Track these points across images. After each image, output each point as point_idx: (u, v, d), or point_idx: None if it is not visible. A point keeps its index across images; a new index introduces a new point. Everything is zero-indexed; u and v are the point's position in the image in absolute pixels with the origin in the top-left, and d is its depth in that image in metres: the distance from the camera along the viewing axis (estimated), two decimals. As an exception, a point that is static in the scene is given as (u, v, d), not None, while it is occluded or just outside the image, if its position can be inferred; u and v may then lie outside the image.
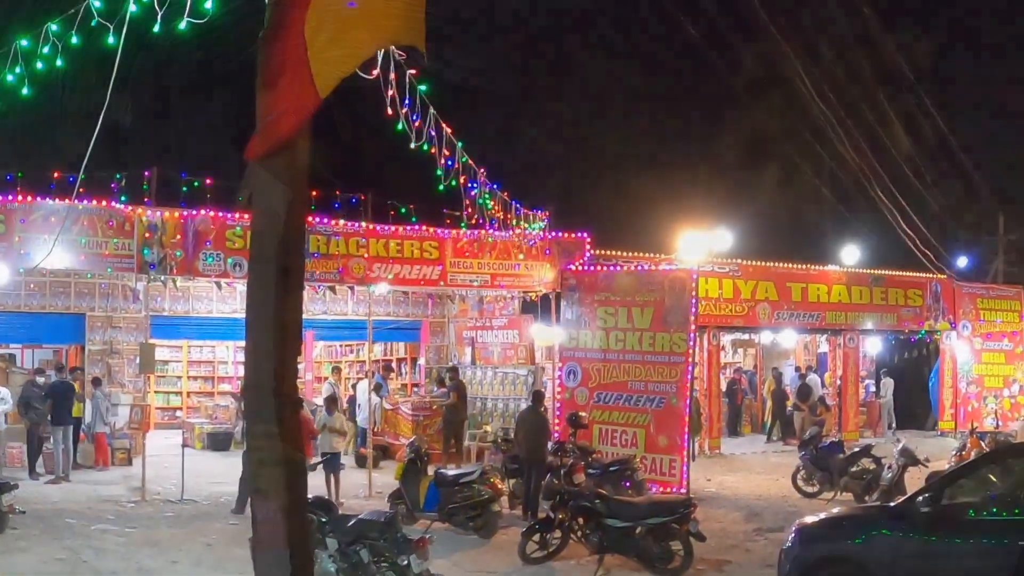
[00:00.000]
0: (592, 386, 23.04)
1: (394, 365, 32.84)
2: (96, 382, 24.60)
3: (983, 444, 22.67)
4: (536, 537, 15.90)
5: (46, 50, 14.26)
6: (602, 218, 41.06)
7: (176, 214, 21.18)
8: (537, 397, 20.60)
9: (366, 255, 22.68)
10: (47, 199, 20.33)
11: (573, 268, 24.42)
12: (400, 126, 17.68)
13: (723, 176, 48.49)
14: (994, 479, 12.38)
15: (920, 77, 38.41)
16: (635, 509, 15.40)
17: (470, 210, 22.53)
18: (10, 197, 20.19)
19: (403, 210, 23.89)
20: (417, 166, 20.79)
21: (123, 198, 21.19)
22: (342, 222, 22.74)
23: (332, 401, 21.60)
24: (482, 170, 21.99)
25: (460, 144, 20.29)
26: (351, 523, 13.53)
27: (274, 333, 6.39)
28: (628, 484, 19.43)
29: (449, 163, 20.19)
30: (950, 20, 54.78)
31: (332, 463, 20.31)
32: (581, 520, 15.59)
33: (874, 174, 34.28)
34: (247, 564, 7.15)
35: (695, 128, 49.31)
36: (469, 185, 21.77)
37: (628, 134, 50.72)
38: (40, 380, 23.46)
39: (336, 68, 6.18)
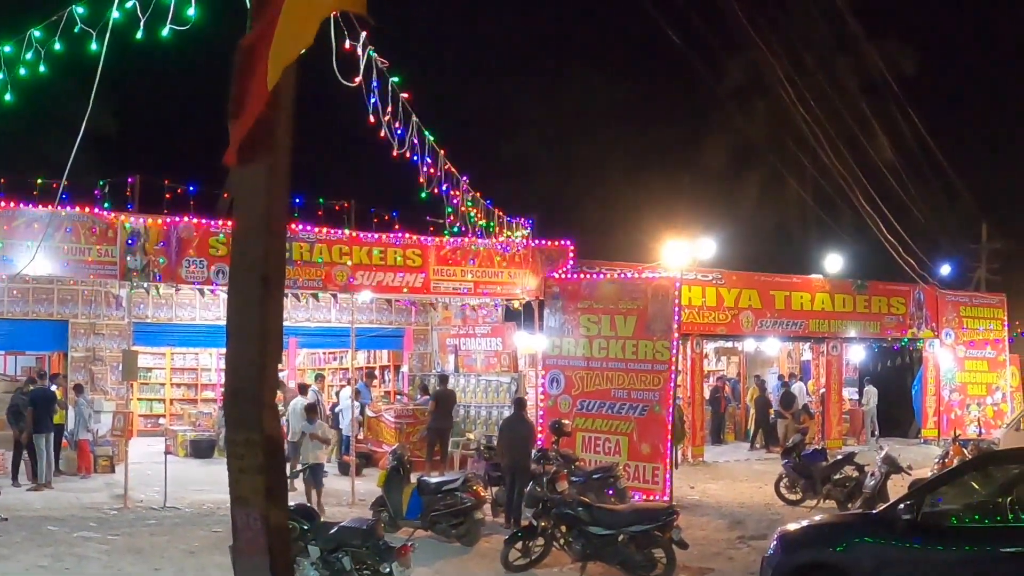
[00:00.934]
0: (575, 394, 23.04)
1: (377, 372, 32.79)
2: (79, 389, 24.52)
3: (966, 452, 22.72)
4: (519, 545, 15.89)
5: (29, 56, 14.25)
6: (585, 226, 41.22)
7: (159, 221, 21.15)
8: (519, 404, 20.56)
9: (349, 262, 22.67)
10: (30, 205, 20.29)
11: (556, 276, 24.41)
12: (383, 133, 17.73)
13: (707, 185, 48.67)
14: (976, 486, 12.41)
15: (903, 86, 38.53)
16: (618, 517, 15.40)
17: (453, 218, 22.56)
18: (-8, 203, 20.15)
19: (386, 217, 23.87)
20: (400, 174, 20.80)
21: (106, 205, 21.15)
22: (325, 229, 22.71)
23: (312, 409, 21.35)
24: (465, 178, 22.02)
25: (442, 152, 20.33)
26: (333, 531, 13.53)
27: (255, 340, 6.39)
28: (611, 492, 19.42)
29: (431, 170, 20.22)
30: (933, 29, 55.10)
31: (315, 474, 20.16)
32: (564, 528, 15.59)
33: (857, 183, 34.39)
34: (229, 572, 7.15)
35: (679, 137, 49.38)
36: (452, 193, 21.79)
37: (612, 142, 50.84)
38: (31, 388, 23.35)
39: (284, 51, 6.16)
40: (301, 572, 13.04)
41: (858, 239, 41.45)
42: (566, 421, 22.01)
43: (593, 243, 33.27)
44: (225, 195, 6.56)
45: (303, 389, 24.88)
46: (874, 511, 14.12)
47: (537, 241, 25.10)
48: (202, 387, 33.47)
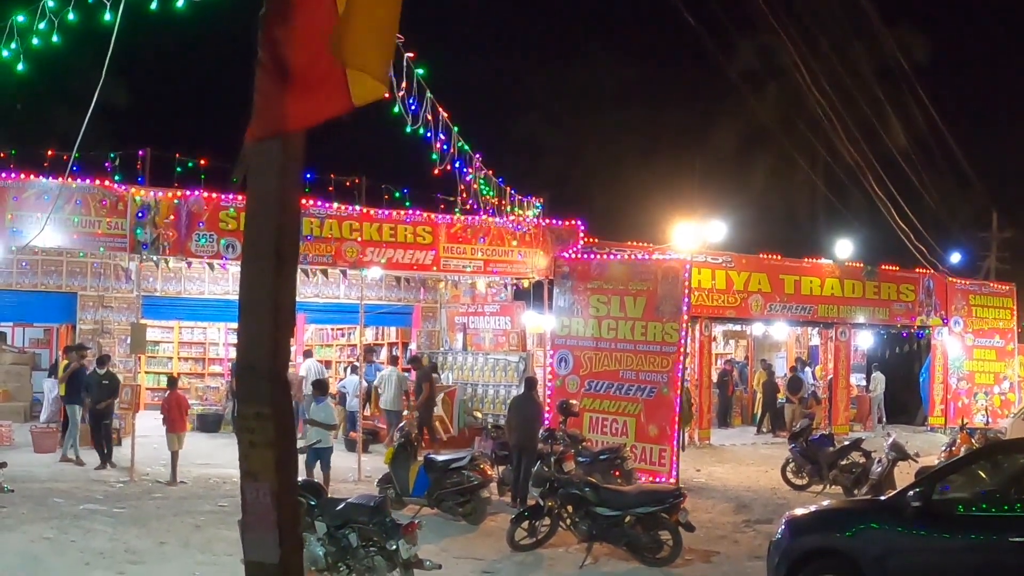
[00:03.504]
0: (583, 374, 23.01)
1: (385, 349, 32.78)
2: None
3: (973, 440, 22.70)
4: (525, 524, 15.90)
5: (42, 26, 14.20)
6: (596, 206, 41.22)
7: (170, 194, 21.11)
8: (530, 383, 20.55)
9: (359, 239, 22.62)
10: (40, 177, 20.27)
11: (566, 256, 24.36)
12: (396, 109, 17.68)
13: (718, 167, 48.58)
14: (984, 475, 12.39)
15: (917, 72, 38.42)
16: (624, 498, 15.40)
17: (464, 195, 22.51)
18: (3, 174, 20.11)
19: (397, 194, 23.82)
20: (412, 150, 20.76)
21: (117, 177, 21.12)
22: (336, 205, 22.66)
23: (318, 386, 20.34)
24: (477, 156, 21.97)
25: (456, 129, 20.26)
26: (340, 507, 13.51)
27: (268, 315, 6.35)
28: (618, 473, 19.42)
29: (444, 148, 20.16)
30: (948, 16, 54.91)
31: (318, 455, 19.01)
32: (570, 508, 15.58)
33: (869, 168, 34.31)
34: (235, 546, 7.14)
35: (691, 119, 49.28)
36: (464, 170, 21.74)
37: (624, 123, 50.78)
38: (101, 371, 23.08)
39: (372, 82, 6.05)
40: (308, 548, 13.03)
41: (869, 225, 41.41)
42: (574, 401, 22.01)
43: (604, 223, 33.26)
44: (238, 176, 6.52)
45: (396, 360, 25.27)
46: (883, 497, 14.10)
47: (548, 220, 25.06)
48: (209, 361, 33.45)
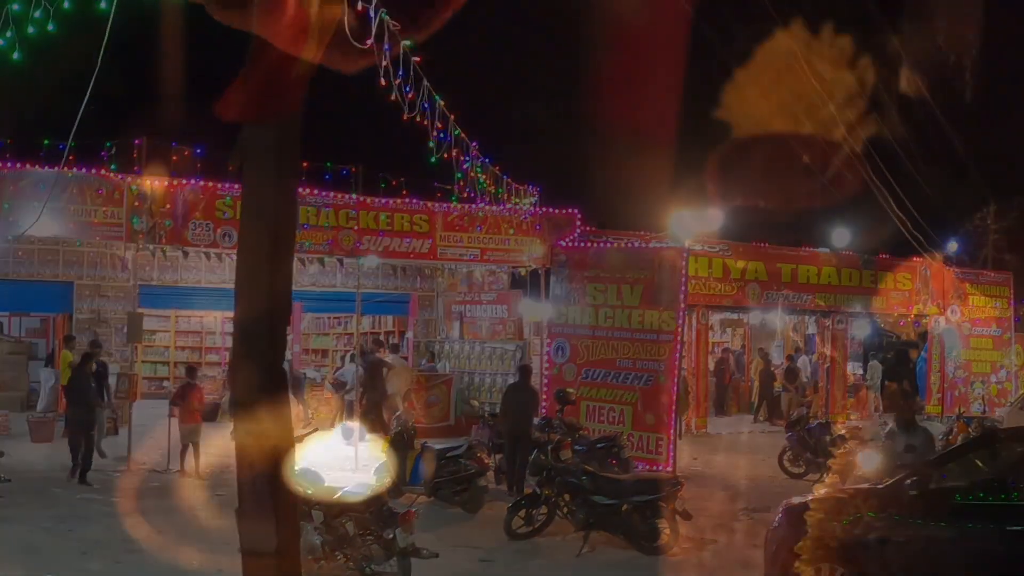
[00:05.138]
0: (580, 362, 22.98)
1: (383, 339, 32.75)
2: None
3: (970, 429, 22.68)
4: (522, 513, 15.90)
5: (37, 14, 14.13)
6: (593, 194, 41.05)
7: (166, 183, 21.06)
8: (524, 372, 20.54)
9: (356, 227, 22.60)
10: (36, 166, 20.22)
11: (563, 244, 24.33)
12: (393, 97, 17.61)
13: (715, 155, 48.42)
14: (981, 464, 12.37)
15: (915, 60, 38.32)
16: (621, 486, 15.40)
17: (461, 184, 22.48)
18: (-1, 164, 20.10)
19: (394, 182, 23.78)
20: (409, 138, 20.69)
21: (113, 166, 21.08)
22: (332, 193, 22.62)
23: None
24: (474, 143, 21.93)
25: (452, 117, 20.20)
26: (336, 495, 13.49)
27: (264, 300, 6.34)
28: (615, 461, 19.37)
29: (441, 136, 20.09)
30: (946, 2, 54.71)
31: None
32: (567, 496, 15.59)
33: (867, 156, 34.23)
34: (233, 535, 7.09)
35: (688, 107, 49.12)
36: (461, 158, 21.70)
37: (621, 111, 50.62)
38: (88, 368, 22.74)
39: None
40: (304, 537, 12.99)
41: (866, 214, 41.31)
42: (570, 390, 21.96)
43: (601, 211, 33.18)
44: (234, 164, 6.51)
45: (396, 349, 25.48)
46: (880, 486, 14.10)
47: (544, 208, 25.04)
48: (206, 350, 33.42)
